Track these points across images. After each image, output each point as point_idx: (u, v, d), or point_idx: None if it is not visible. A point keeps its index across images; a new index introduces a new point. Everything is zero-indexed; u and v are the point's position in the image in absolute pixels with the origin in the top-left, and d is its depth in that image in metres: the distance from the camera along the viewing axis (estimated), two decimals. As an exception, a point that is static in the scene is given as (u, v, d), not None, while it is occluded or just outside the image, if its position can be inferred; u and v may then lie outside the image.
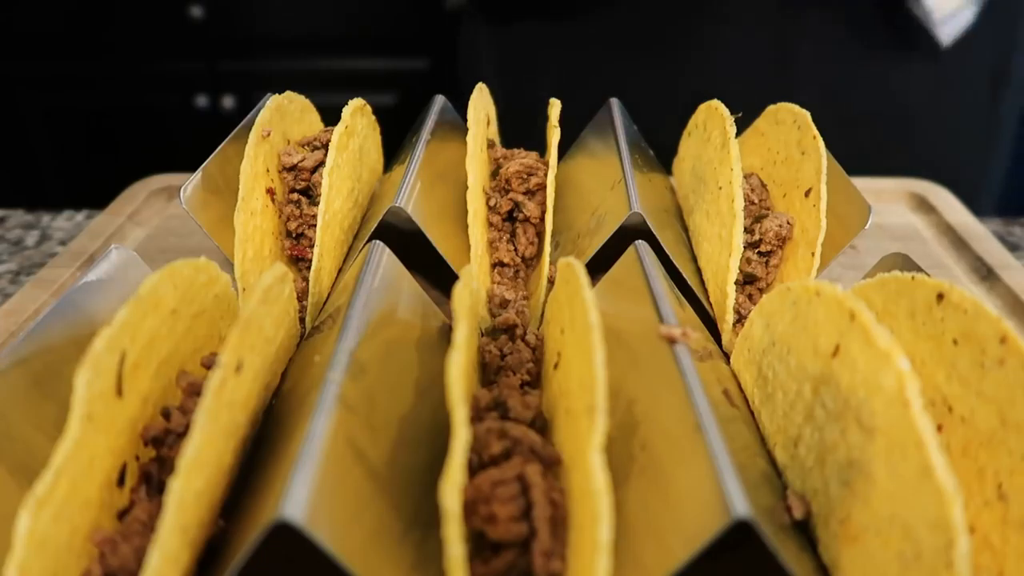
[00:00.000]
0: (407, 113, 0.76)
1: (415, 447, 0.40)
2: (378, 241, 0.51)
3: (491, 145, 0.66)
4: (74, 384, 0.32)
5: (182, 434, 0.38)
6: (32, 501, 0.30)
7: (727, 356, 0.50)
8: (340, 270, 0.58)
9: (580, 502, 0.32)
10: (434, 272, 0.57)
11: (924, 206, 0.75)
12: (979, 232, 0.70)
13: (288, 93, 0.60)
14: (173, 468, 0.31)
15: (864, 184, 0.63)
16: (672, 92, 0.75)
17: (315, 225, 0.54)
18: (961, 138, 0.93)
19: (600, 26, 0.87)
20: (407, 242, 0.55)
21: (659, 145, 0.72)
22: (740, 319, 0.53)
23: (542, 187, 0.60)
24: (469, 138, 0.56)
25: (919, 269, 0.45)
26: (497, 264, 0.59)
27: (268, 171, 0.56)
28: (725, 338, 0.52)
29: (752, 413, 0.45)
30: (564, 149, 0.70)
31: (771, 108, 0.61)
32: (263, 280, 0.38)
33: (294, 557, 0.34)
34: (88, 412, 0.33)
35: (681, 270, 0.55)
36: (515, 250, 0.60)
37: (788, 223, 0.55)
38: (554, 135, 0.60)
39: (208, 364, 0.42)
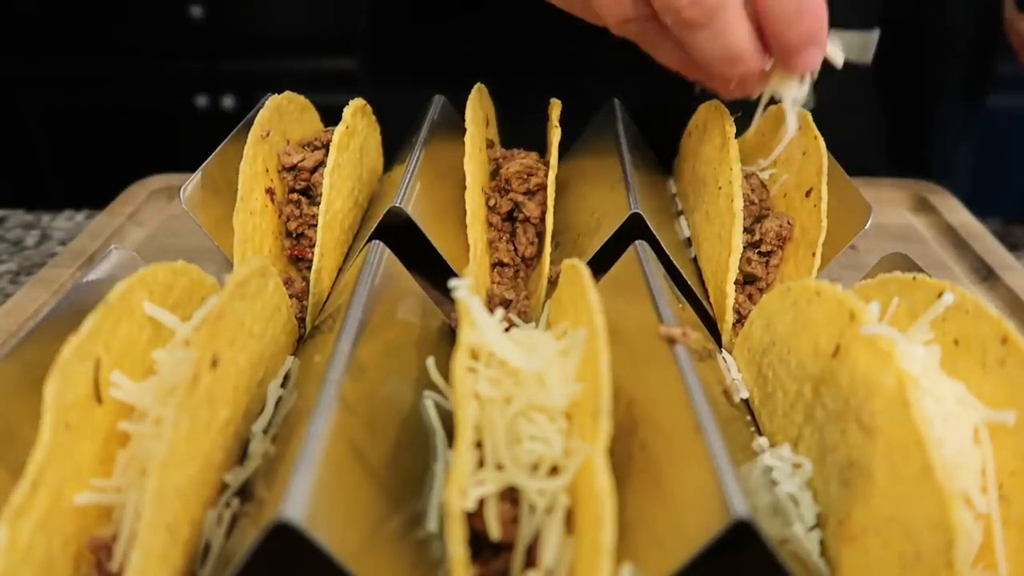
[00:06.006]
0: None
1: (415, 447, 0.40)
2: (378, 241, 0.51)
3: (490, 145, 0.65)
4: (43, 393, 0.32)
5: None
6: (9, 512, 0.30)
7: (727, 356, 0.50)
8: (340, 270, 0.58)
9: (583, 504, 0.32)
10: (434, 272, 0.56)
11: (924, 206, 0.75)
12: (979, 232, 0.70)
13: (288, 93, 0.60)
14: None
15: (864, 184, 0.63)
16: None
17: (315, 225, 0.54)
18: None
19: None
20: (407, 242, 0.55)
21: (657, 145, 0.72)
22: (740, 319, 0.53)
23: (542, 187, 0.60)
24: (467, 138, 0.56)
25: (919, 269, 0.45)
26: (497, 264, 0.59)
27: (267, 171, 0.56)
28: (725, 338, 0.52)
29: (752, 413, 0.45)
30: (564, 149, 0.70)
31: (772, 108, 0.61)
32: (235, 274, 0.38)
33: (294, 557, 0.34)
34: (64, 420, 0.33)
35: (681, 270, 0.55)
36: (515, 250, 0.60)
37: (788, 223, 0.55)
38: (554, 135, 0.60)
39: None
